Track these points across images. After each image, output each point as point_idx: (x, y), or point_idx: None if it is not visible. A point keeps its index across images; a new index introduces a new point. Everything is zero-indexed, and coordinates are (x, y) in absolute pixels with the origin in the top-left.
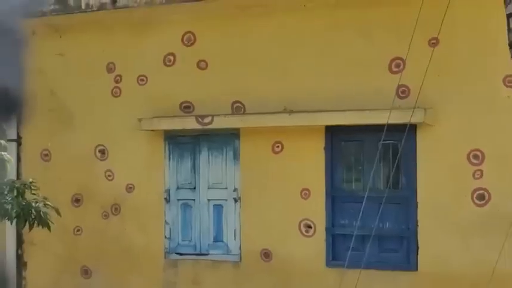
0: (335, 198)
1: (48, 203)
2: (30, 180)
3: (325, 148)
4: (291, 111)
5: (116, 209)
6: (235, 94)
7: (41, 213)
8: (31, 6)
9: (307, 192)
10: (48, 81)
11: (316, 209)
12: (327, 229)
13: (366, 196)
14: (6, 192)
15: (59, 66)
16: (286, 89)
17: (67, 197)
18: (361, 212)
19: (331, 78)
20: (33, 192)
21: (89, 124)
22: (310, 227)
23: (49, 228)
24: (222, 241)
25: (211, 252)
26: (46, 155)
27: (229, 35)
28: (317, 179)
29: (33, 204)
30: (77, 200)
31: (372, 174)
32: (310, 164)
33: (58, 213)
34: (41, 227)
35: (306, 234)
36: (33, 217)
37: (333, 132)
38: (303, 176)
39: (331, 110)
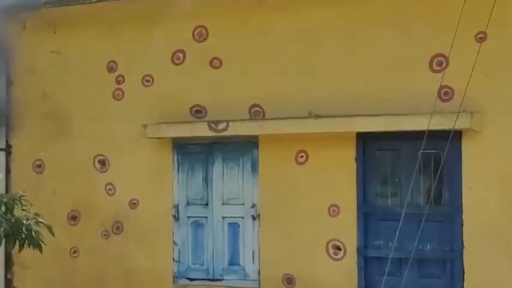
0: (368, 216)
1: (40, 220)
2: (20, 193)
3: (356, 158)
4: (317, 116)
5: (118, 227)
6: (253, 96)
7: (32, 232)
8: (19, 7)
9: (336, 208)
10: (42, 82)
11: (347, 228)
12: (358, 251)
13: (403, 213)
14: None
15: (53, 66)
16: (311, 91)
17: (63, 214)
18: (398, 232)
19: (363, 78)
20: (23, 208)
21: (87, 131)
22: (339, 248)
23: (40, 249)
24: (239, 265)
25: (225, 277)
26: (39, 165)
27: (247, 29)
28: (347, 194)
29: (24, 221)
30: (73, 217)
31: (410, 188)
32: (339, 177)
33: (51, 232)
34: (32, 247)
35: (334, 256)
36: (23, 236)
37: (365, 140)
38: (331, 190)
39: (363, 115)
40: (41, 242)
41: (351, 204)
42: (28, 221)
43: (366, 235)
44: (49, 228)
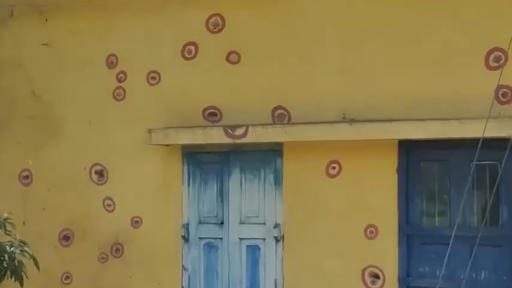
0: (411, 238)
1: (26, 249)
2: (5, 216)
3: (398, 170)
4: (353, 121)
5: (118, 249)
6: (277, 97)
7: (15, 261)
8: None
9: (373, 229)
10: (30, 79)
11: (386, 253)
12: (400, 280)
13: (453, 235)
14: None
15: (44, 60)
16: (346, 91)
17: (53, 233)
18: (446, 257)
19: (407, 76)
20: (7, 232)
21: (82, 136)
22: (377, 276)
23: (21, 283)
24: None
25: None
26: (26, 177)
27: (269, 18)
28: (387, 212)
29: (7, 248)
30: (66, 238)
31: (461, 206)
32: (377, 192)
33: (36, 265)
34: (13, 279)
35: (372, 286)
36: (5, 265)
37: (409, 149)
38: (368, 207)
39: (407, 119)
40: (24, 275)
41: (391, 224)
42: (12, 248)
43: (408, 261)
44: (34, 260)
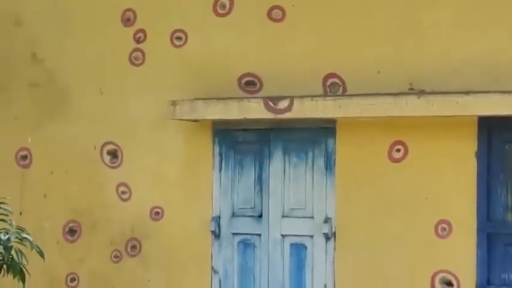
0: (493, 238)
1: (26, 236)
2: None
3: (477, 153)
4: (422, 92)
5: (134, 246)
6: (329, 63)
7: (14, 253)
8: None
9: (446, 226)
10: (30, 39)
11: (461, 255)
12: None
13: None
14: None
15: (47, 16)
16: (413, 56)
17: (56, 226)
18: None
19: (488, 39)
20: (2, 217)
21: (92, 109)
22: (450, 284)
23: (23, 280)
24: None
25: None
26: (24, 157)
27: None
28: (463, 205)
29: (2, 236)
30: (71, 231)
31: None
32: (452, 180)
33: (41, 255)
34: (11, 275)
35: None
36: (0, 258)
37: (490, 128)
38: (439, 199)
39: (489, 91)
40: (24, 269)
41: (468, 220)
42: (8, 236)
43: (489, 266)
44: (39, 250)
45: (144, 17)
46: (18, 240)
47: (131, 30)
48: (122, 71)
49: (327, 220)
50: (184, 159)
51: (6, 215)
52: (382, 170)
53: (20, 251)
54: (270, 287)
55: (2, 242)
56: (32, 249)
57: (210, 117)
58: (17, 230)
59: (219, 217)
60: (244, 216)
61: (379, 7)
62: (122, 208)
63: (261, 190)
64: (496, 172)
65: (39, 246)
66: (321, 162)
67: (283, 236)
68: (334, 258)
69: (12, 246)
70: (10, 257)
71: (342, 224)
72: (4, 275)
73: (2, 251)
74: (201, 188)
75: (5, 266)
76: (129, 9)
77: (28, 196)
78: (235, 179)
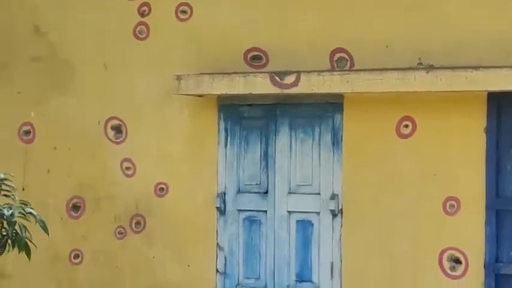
0: (502, 215)
1: (31, 210)
2: (2, 176)
3: (487, 129)
4: (430, 67)
5: (138, 222)
6: (336, 37)
7: (18, 227)
8: None
9: (454, 203)
10: (33, 11)
11: (470, 232)
12: (487, 266)
13: None
14: None
15: None
16: (421, 31)
17: (60, 202)
18: None
19: (498, 12)
20: (4, 192)
21: (96, 83)
22: (458, 261)
23: (28, 254)
24: (311, 281)
25: None
26: (27, 132)
27: None
28: (472, 182)
29: (6, 212)
30: (75, 207)
31: None
32: (460, 156)
33: (45, 229)
34: (17, 250)
35: (451, 273)
36: (4, 233)
37: (500, 104)
38: (448, 176)
39: (499, 66)
40: (29, 243)
41: (477, 197)
42: (11, 211)
43: (498, 243)
44: (42, 224)
45: None
46: (21, 215)
47: (135, 4)
48: (126, 45)
49: (333, 197)
50: (190, 135)
51: (10, 191)
52: (390, 146)
53: (24, 226)
54: (275, 264)
55: (5, 217)
56: (36, 223)
57: (216, 92)
58: (21, 204)
59: (225, 193)
60: (250, 192)
61: None
62: (126, 184)
63: (267, 166)
64: (506, 148)
65: (43, 220)
66: (327, 138)
67: (289, 212)
68: (340, 235)
69: (16, 221)
70: (14, 231)
71: (349, 201)
72: (9, 251)
73: (6, 226)
74: (206, 164)
75: (9, 241)
76: None
77: (31, 172)
78: (240, 154)
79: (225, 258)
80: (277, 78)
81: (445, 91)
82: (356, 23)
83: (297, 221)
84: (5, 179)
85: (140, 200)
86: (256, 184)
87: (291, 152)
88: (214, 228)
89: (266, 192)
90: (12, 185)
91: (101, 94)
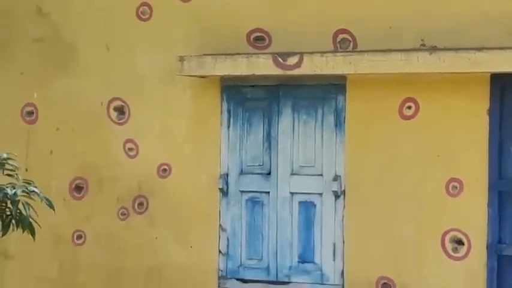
0: (505, 196)
1: (34, 189)
2: (5, 155)
3: (490, 111)
4: (434, 48)
5: (141, 203)
6: (339, 19)
7: (22, 206)
8: None
9: (457, 184)
10: None
11: (472, 214)
12: (489, 247)
13: None
14: None
15: None
16: (425, 11)
17: (62, 183)
18: None
19: None
20: (8, 171)
21: (98, 64)
22: (461, 242)
23: (33, 233)
24: (313, 262)
25: (294, 279)
26: (30, 113)
27: None
28: (475, 163)
29: (9, 191)
30: (78, 188)
31: None
32: (463, 138)
33: (51, 206)
34: (21, 230)
35: (453, 254)
36: (8, 213)
37: (504, 86)
38: (451, 157)
39: (502, 48)
40: (33, 222)
41: (479, 178)
42: (14, 190)
43: (501, 224)
44: (48, 201)
45: None
46: (25, 194)
47: None
48: (129, 25)
49: (336, 178)
50: (192, 116)
51: (13, 170)
52: (393, 128)
53: (28, 204)
54: (278, 245)
55: (9, 196)
56: (41, 201)
57: (218, 73)
58: (24, 183)
59: (227, 174)
60: (252, 173)
61: None
62: (129, 165)
63: (269, 147)
64: (509, 130)
65: (48, 198)
66: (330, 119)
67: (292, 193)
68: (343, 217)
69: (19, 200)
70: (18, 211)
71: (352, 182)
72: (13, 230)
73: (10, 205)
74: (209, 145)
75: (13, 221)
76: None
77: (34, 153)
78: (243, 136)
79: (228, 239)
80: (280, 59)
81: (448, 72)
82: (359, 4)
83: (300, 202)
84: (9, 158)
85: (143, 181)
86: (259, 165)
87: (293, 133)
88: (217, 209)
89: (269, 174)
90: (16, 165)
91: (103, 75)
